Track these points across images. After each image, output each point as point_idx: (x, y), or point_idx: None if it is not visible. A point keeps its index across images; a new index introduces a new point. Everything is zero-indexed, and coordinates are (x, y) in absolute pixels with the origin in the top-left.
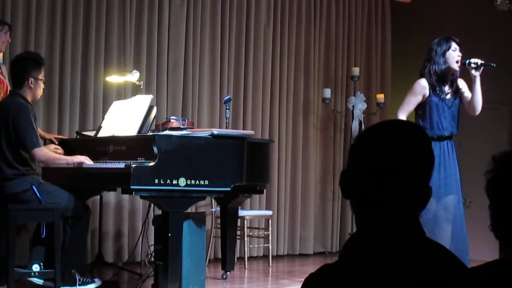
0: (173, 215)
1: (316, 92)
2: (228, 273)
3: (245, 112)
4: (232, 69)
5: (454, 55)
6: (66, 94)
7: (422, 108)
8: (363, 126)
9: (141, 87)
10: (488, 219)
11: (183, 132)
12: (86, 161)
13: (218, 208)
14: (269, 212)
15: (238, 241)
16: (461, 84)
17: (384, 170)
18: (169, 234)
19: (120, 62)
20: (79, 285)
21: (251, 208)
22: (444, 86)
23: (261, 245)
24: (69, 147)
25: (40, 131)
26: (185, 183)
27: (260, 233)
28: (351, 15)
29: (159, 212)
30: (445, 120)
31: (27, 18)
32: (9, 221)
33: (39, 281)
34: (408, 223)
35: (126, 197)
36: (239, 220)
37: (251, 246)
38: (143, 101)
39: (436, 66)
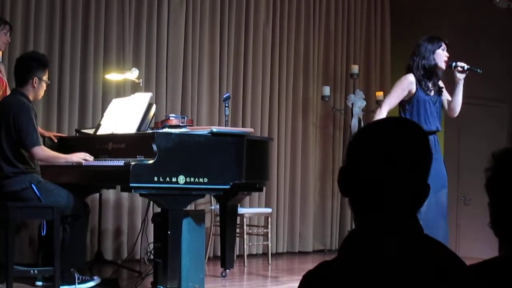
0: (172, 213)
1: (315, 90)
2: (227, 271)
3: (244, 109)
4: (232, 67)
5: (442, 54)
6: (66, 92)
7: (409, 104)
8: (362, 123)
9: (140, 84)
10: (487, 216)
11: (183, 130)
12: (87, 157)
13: (218, 206)
14: (269, 210)
15: (237, 239)
16: (441, 84)
17: (382, 167)
18: (169, 232)
19: (119, 60)
20: (78, 283)
21: (251, 206)
22: (429, 82)
23: (260, 243)
24: (68, 145)
25: (39, 129)
26: (184, 180)
27: (260, 230)
28: (350, 12)
29: (159, 210)
30: (431, 115)
31: (26, 16)
32: (8, 219)
33: (39, 283)
34: (406, 220)
35: (125, 195)
36: (238, 218)
37: (250, 243)
38: (142, 98)
39: (426, 61)
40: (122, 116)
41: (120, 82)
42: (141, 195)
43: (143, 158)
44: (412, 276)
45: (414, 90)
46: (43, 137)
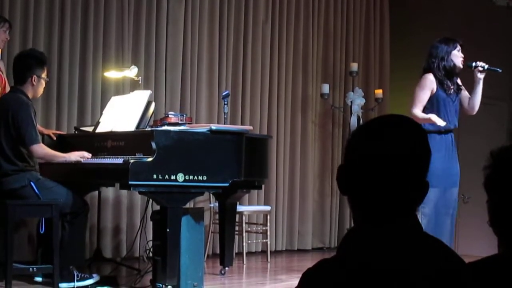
0: (171, 211)
1: (315, 88)
2: (226, 268)
3: (243, 107)
4: (231, 65)
5: (458, 55)
6: (65, 90)
7: (429, 102)
8: (361, 121)
9: (140, 82)
10: (486, 214)
11: (182, 128)
12: (85, 155)
13: (217, 204)
14: (268, 208)
15: (236, 237)
16: (460, 83)
17: (381, 165)
18: (168, 230)
19: (118, 58)
20: (78, 281)
21: (250, 204)
22: (450, 82)
23: (259, 241)
24: (67, 142)
25: (38, 126)
26: (183, 178)
27: (259, 228)
28: (350, 10)
29: (158, 207)
30: (450, 113)
31: (25, 13)
32: (7, 216)
33: (38, 278)
34: (405, 218)
35: (124, 192)
36: (237, 216)
37: (249, 241)
38: (142, 96)
39: (446, 63)
40: (121, 114)
41: (119, 80)
42: (140, 192)
43: (142, 156)
44: (410, 274)
45: (435, 89)
46: (42, 135)
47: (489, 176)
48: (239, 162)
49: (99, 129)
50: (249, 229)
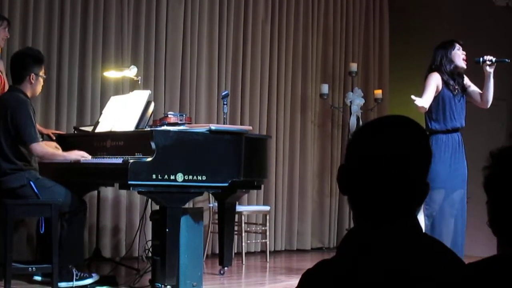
0: (170, 211)
1: (314, 88)
2: (225, 268)
3: (243, 107)
4: (230, 65)
5: (459, 53)
6: (64, 89)
7: (435, 101)
8: (360, 121)
9: (139, 82)
10: (486, 215)
11: (181, 128)
12: (84, 155)
13: (216, 204)
14: (267, 208)
15: (235, 237)
16: (466, 80)
17: (381, 165)
18: (167, 230)
19: (118, 57)
20: (77, 280)
21: (249, 204)
22: (454, 81)
23: (258, 241)
24: (67, 142)
25: (38, 126)
26: (182, 178)
27: (258, 228)
28: (349, 10)
29: (157, 207)
30: (456, 112)
31: (24, 13)
32: (6, 216)
33: (38, 277)
34: (405, 219)
35: (123, 192)
36: (236, 216)
37: (248, 241)
38: (141, 96)
39: (447, 67)
40: (121, 114)
41: (119, 79)
42: (139, 192)
43: (141, 156)
44: (410, 275)
45: (440, 87)
46: (42, 134)
47: (488, 176)
48: (239, 162)
49: (99, 129)
50: (248, 229)
